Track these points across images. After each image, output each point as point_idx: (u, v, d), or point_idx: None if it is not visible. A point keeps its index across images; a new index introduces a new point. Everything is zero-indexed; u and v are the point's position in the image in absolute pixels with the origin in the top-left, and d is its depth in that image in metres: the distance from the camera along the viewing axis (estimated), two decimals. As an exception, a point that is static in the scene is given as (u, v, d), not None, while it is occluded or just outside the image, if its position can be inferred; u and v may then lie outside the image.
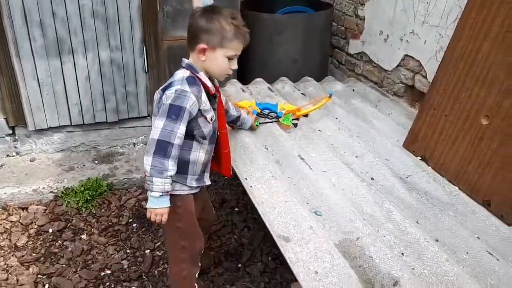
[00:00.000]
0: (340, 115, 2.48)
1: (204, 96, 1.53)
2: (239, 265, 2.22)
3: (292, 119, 2.27)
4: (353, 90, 2.91)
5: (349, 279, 1.31)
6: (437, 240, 1.55)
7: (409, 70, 2.66)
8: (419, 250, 1.48)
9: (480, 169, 1.81)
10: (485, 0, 1.83)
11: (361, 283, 1.32)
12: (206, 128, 1.57)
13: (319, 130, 2.31)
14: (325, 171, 1.94)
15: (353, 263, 1.41)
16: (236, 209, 2.62)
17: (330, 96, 2.38)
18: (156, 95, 1.55)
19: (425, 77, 2.53)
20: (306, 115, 2.42)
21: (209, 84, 1.54)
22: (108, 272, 2.13)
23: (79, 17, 2.54)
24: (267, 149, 2.06)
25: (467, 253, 1.50)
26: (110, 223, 2.46)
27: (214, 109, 1.61)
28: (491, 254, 1.48)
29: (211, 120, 1.58)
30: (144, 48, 2.70)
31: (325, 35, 3.08)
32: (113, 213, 2.53)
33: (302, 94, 2.71)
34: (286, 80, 2.90)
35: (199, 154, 1.62)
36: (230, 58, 1.53)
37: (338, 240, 1.51)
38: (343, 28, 3.27)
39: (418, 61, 2.57)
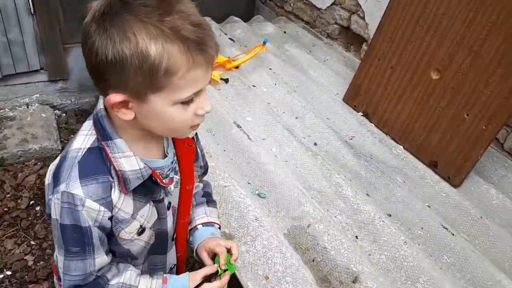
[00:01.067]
0: (274, 65, 2.19)
1: (120, 197, 0.74)
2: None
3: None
4: (285, 32, 2.60)
5: (305, 282, 1.13)
6: (390, 215, 1.42)
7: (345, 10, 2.40)
8: (374, 232, 1.34)
9: (427, 128, 1.69)
10: None
11: (317, 283, 1.15)
12: (134, 247, 0.81)
13: (253, 86, 2.01)
14: (265, 138, 1.69)
15: (305, 258, 1.23)
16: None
17: (264, 44, 2.07)
18: (47, 191, 0.78)
19: (362, 18, 2.30)
20: (237, 67, 2.10)
21: (139, 165, 0.73)
22: (8, 273, 1.75)
23: None
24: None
25: (422, 228, 1.40)
26: (5, 209, 2.02)
27: (159, 201, 0.80)
28: (446, 228, 1.38)
29: (141, 232, 0.79)
30: (24, -17, 2.09)
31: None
32: (8, 196, 2.07)
33: (230, 39, 2.34)
34: (211, 22, 2.49)
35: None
36: (188, 101, 0.68)
37: (287, 229, 1.31)
38: (270, -43, 2.86)
39: None
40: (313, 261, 1.23)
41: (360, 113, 1.93)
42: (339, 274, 1.19)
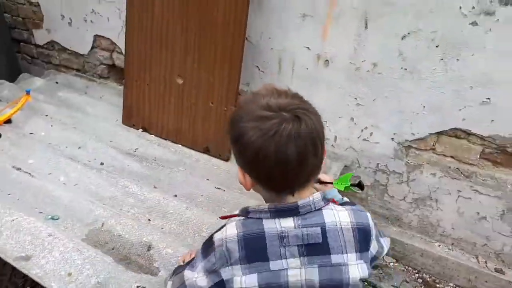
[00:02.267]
0: (49, 111, 2.29)
1: None
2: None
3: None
4: (57, 82, 2.72)
5: (104, 264, 1.30)
6: (176, 196, 1.71)
7: (105, 50, 2.68)
8: (162, 210, 1.60)
9: (191, 123, 2.06)
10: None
11: (118, 262, 1.33)
12: None
13: (31, 133, 2.08)
14: (51, 173, 1.79)
15: (105, 249, 1.40)
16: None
17: (28, 93, 2.16)
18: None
19: (121, 53, 2.60)
20: (9, 121, 2.13)
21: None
22: None
23: None
24: (-32, 173, 1.73)
25: (202, 195, 1.72)
26: None
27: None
28: (219, 188, 1.74)
29: None
30: None
31: (1, 31, 2.70)
32: None
33: (-4, 100, 2.35)
34: (-33, 90, 2.43)
35: None
36: None
37: (85, 234, 1.46)
38: (20, 18, 2.93)
39: (109, 39, 2.60)
40: (112, 249, 1.41)
41: (140, 129, 2.20)
42: (135, 250, 1.40)
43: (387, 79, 1.85)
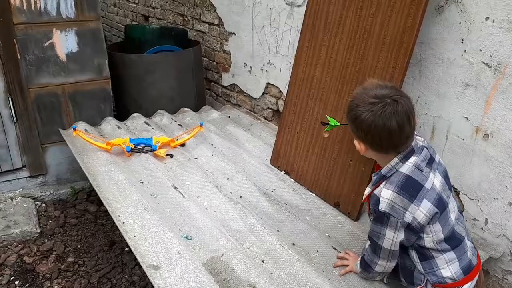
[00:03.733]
0: (215, 141, 2.66)
1: None
2: (131, 303, 2.24)
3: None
4: (229, 117, 3.13)
5: (211, 292, 1.44)
6: (293, 244, 1.77)
7: (273, 96, 2.96)
8: (276, 256, 1.67)
9: (328, 175, 2.10)
10: (314, 30, 2.17)
11: (223, 294, 1.46)
12: None
13: (195, 158, 2.46)
14: (199, 196, 2.08)
15: (217, 278, 1.55)
16: (127, 249, 2.62)
17: (201, 125, 2.56)
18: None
19: (284, 101, 2.84)
20: (183, 145, 2.57)
21: None
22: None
23: None
24: (142, 183, 2.15)
25: (317, 251, 1.73)
26: (-13, 285, 2.31)
27: None
28: (335, 248, 1.73)
29: None
30: (9, 98, 2.63)
31: (197, 71, 3.29)
32: (-9, 274, 2.38)
33: (179, 125, 2.86)
34: (164, 113, 3.02)
35: None
36: None
37: (206, 260, 1.65)
38: (215, 62, 3.52)
39: (278, 87, 2.87)
40: (224, 280, 1.55)
41: (283, 172, 2.36)
42: (241, 287, 1.51)
43: None
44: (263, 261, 1.66)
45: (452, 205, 1.42)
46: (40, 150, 2.83)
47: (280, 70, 2.80)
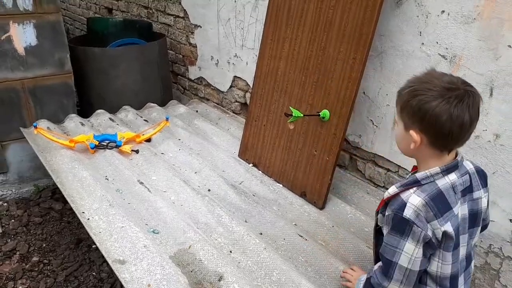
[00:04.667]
0: (182, 136, 2.65)
1: None
2: (99, 300, 2.21)
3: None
4: (197, 111, 3.12)
5: (178, 284, 1.45)
6: (261, 234, 1.79)
7: (240, 90, 2.97)
8: (243, 246, 1.70)
9: (294, 166, 2.13)
10: (277, 22, 2.18)
11: (191, 285, 1.47)
12: None
13: (162, 153, 2.44)
14: (165, 191, 2.07)
15: (185, 270, 1.55)
16: (94, 246, 2.58)
17: (167, 119, 2.54)
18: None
19: (251, 94, 2.85)
20: (149, 140, 2.54)
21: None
22: None
23: None
24: (107, 179, 2.12)
25: (284, 239, 1.77)
26: None
27: None
28: (301, 236, 1.77)
29: None
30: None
31: (163, 64, 3.25)
32: (-51, 278, 2.29)
33: (145, 120, 2.82)
34: (129, 109, 2.98)
35: None
36: None
37: (174, 252, 1.65)
38: (181, 56, 3.49)
39: (245, 80, 2.89)
40: (191, 271, 1.56)
41: (251, 164, 2.38)
42: (209, 277, 1.52)
43: (510, 153, 1.63)
44: (230, 251, 1.68)
45: (464, 241, 1.24)
46: (0, 148, 2.73)
47: (247, 63, 2.81)
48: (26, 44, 2.61)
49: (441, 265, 1.19)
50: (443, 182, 1.17)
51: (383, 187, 2.19)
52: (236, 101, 3.05)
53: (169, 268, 1.51)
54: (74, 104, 2.92)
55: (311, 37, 2.03)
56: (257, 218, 1.90)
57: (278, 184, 2.19)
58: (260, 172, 2.30)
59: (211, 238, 1.75)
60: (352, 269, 1.52)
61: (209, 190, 2.11)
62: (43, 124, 2.59)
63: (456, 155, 1.21)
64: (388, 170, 2.14)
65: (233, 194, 2.06)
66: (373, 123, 2.12)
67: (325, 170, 1.98)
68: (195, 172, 2.26)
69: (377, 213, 1.34)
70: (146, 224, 1.81)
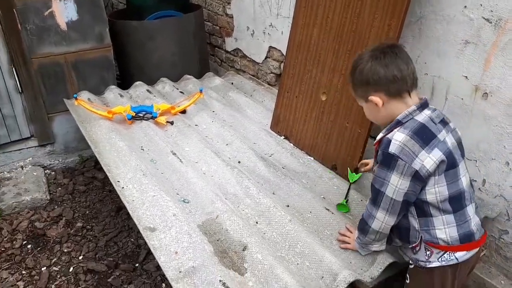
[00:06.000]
0: (216, 108, 2.66)
1: None
2: (136, 265, 2.33)
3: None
4: (232, 83, 3.11)
5: (203, 252, 1.48)
6: (287, 206, 1.79)
7: (275, 60, 2.92)
8: (269, 217, 1.70)
9: (325, 139, 2.09)
10: (311, -8, 2.10)
11: (216, 254, 1.51)
12: None
13: (196, 125, 2.48)
14: (197, 162, 2.11)
15: (211, 238, 1.59)
16: (134, 212, 2.71)
17: (201, 91, 2.56)
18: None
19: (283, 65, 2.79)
20: (184, 112, 2.58)
21: None
22: (2, 296, 2.13)
23: None
24: (142, 149, 2.19)
25: (311, 212, 1.75)
26: (2, 249, 2.43)
27: None
28: (328, 209, 1.74)
29: None
30: (13, 69, 2.67)
31: (200, 36, 3.25)
32: (6, 239, 2.49)
33: (181, 92, 2.86)
34: (166, 81, 3.03)
35: None
36: None
37: (201, 221, 1.69)
38: (217, 27, 3.47)
39: (280, 50, 2.83)
40: (217, 240, 1.59)
41: (282, 137, 2.35)
42: (234, 246, 1.54)
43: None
44: (256, 222, 1.69)
45: (463, 171, 1.36)
46: (47, 120, 2.89)
47: (282, 33, 2.74)
48: (67, 19, 2.69)
49: (438, 189, 1.30)
50: (422, 117, 1.31)
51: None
52: (271, 72, 3.00)
53: (196, 237, 1.55)
54: (114, 77, 3.00)
55: (346, 3, 1.93)
56: (285, 191, 1.89)
57: (309, 157, 2.16)
58: (291, 144, 2.28)
59: (238, 209, 1.77)
60: (349, 230, 1.61)
61: (239, 162, 2.12)
62: (84, 95, 2.69)
63: (420, 99, 1.36)
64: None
65: (262, 166, 2.06)
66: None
67: (357, 142, 1.92)
68: (227, 144, 2.28)
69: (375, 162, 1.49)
70: (177, 194, 1.85)
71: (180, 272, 1.41)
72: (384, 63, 1.30)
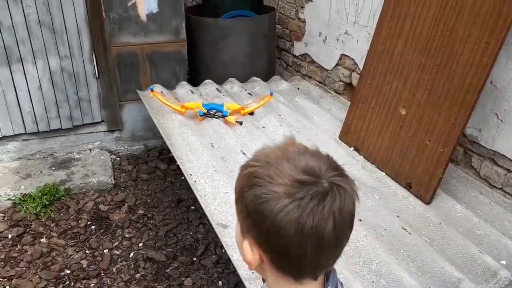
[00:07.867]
0: (283, 112, 2.65)
1: None
2: (194, 259, 2.35)
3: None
4: (298, 88, 3.09)
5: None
6: (360, 220, 1.74)
7: (346, 69, 2.87)
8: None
9: (401, 155, 2.02)
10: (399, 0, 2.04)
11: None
12: None
13: (263, 127, 2.47)
14: (266, 164, 2.10)
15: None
16: (192, 207, 2.74)
17: (271, 94, 2.55)
18: None
19: (360, 74, 2.74)
20: (252, 113, 2.59)
21: None
22: (68, 271, 2.22)
23: (25, 26, 2.60)
24: (213, 146, 2.21)
25: (385, 229, 1.69)
26: (69, 226, 2.53)
27: None
28: (405, 229, 1.68)
29: None
30: (94, 55, 2.78)
31: (270, 38, 3.25)
32: (72, 217, 2.60)
33: (249, 93, 2.87)
34: (234, 81, 3.05)
35: None
36: None
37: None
38: (287, 31, 3.46)
39: (353, 59, 2.77)
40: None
41: (352, 148, 2.30)
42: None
43: None
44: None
45: None
46: (118, 107, 2.99)
47: (357, 41, 2.69)
48: (148, 11, 2.78)
49: None
50: None
51: (500, 189, 1.98)
52: (341, 81, 2.95)
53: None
54: (185, 72, 3.06)
55: (438, 16, 1.86)
56: (358, 205, 1.83)
57: (381, 172, 2.09)
58: (362, 157, 2.22)
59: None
60: None
61: (308, 168, 2.09)
62: (158, 88, 2.76)
63: (326, 279, 0.76)
64: (509, 171, 1.92)
65: (333, 176, 2.01)
66: (497, 117, 1.91)
67: (437, 162, 1.84)
68: (296, 149, 2.25)
69: None
70: (247, 194, 1.85)
71: (253, 272, 1.40)
72: (304, 222, 0.65)
